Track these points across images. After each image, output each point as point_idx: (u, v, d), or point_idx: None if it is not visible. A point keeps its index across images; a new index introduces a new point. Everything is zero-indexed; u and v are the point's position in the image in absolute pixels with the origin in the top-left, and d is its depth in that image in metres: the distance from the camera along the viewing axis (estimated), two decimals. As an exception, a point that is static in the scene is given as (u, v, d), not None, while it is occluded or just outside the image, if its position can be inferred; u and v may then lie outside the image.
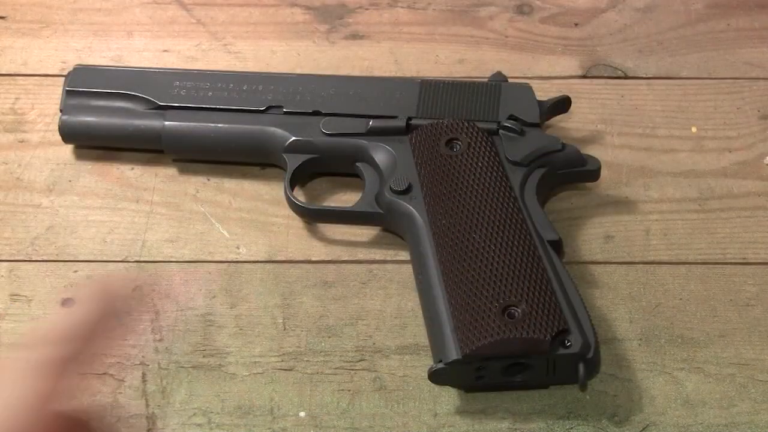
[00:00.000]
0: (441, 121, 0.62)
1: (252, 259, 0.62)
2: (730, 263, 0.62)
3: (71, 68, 0.67)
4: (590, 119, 0.69)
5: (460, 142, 0.61)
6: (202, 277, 0.61)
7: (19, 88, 0.71)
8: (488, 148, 0.61)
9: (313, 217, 0.63)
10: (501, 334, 0.53)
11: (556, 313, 0.54)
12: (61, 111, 0.66)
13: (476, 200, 0.58)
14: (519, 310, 0.54)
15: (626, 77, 0.72)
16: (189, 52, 0.73)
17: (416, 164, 0.61)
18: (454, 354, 0.53)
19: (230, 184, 0.66)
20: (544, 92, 0.67)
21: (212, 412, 0.55)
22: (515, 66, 0.72)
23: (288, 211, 0.64)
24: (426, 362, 0.56)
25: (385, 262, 0.62)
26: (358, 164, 0.64)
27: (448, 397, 0.56)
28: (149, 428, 0.55)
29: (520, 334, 0.53)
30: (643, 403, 0.56)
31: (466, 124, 0.62)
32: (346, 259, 0.62)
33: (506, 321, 0.53)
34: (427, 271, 0.57)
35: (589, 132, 0.69)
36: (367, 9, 0.76)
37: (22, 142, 0.68)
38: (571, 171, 0.63)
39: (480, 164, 0.60)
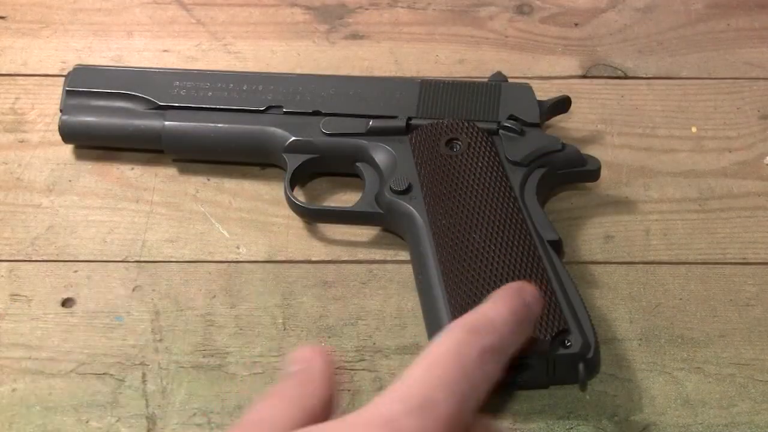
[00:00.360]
0: (441, 121, 0.62)
1: (252, 259, 0.62)
2: (730, 263, 0.62)
3: (71, 68, 0.67)
4: (590, 119, 0.69)
5: (460, 142, 0.61)
6: (202, 277, 0.61)
7: (19, 88, 0.71)
8: (488, 148, 0.61)
9: (313, 217, 0.63)
10: None
11: (556, 313, 0.54)
12: (61, 111, 0.66)
13: (476, 200, 0.58)
14: None
15: (626, 77, 0.72)
16: (189, 52, 0.73)
17: (416, 164, 0.61)
18: (454, 354, 0.53)
19: (230, 184, 0.66)
20: (544, 92, 0.67)
21: (212, 412, 0.55)
22: (515, 66, 0.72)
23: (288, 211, 0.63)
24: (426, 362, 0.56)
25: (385, 262, 0.62)
26: (358, 164, 0.64)
27: (448, 397, 0.56)
28: (149, 428, 0.55)
29: None
30: (643, 403, 0.55)
31: (466, 125, 0.62)
32: (346, 259, 0.62)
33: None
34: (427, 271, 0.57)
35: (589, 132, 0.69)
36: (367, 9, 0.76)
37: (22, 142, 0.68)
38: (571, 171, 0.63)
39: (480, 164, 0.60)
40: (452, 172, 0.60)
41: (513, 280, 0.55)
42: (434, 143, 0.62)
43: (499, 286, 0.53)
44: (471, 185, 0.59)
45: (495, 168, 0.60)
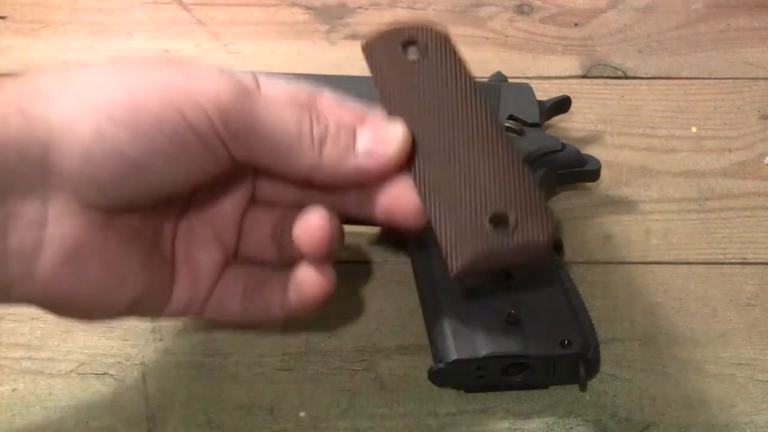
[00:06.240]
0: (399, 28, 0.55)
1: (252, 259, 0.62)
2: (730, 263, 0.62)
3: (71, 68, 0.67)
4: (590, 119, 0.69)
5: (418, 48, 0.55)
6: (202, 277, 0.61)
7: (19, 88, 0.71)
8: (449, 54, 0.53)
9: (313, 217, 0.63)
10: (492, 243, 0.46)
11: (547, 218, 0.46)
12: (61, 111, 0.66)
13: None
14: (510, 218, 0.46)
15: (626, 77, 0.72)
16: (189, 52, 0.73)
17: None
18: (454, 354, 0.53)
19: (230, 184, 0.66)
20: (544, 92, 0.67)
21: (212, 412, 0.55)
22: (515, 66, 0.72)
23: (288, 211, 0.63)
24: (426, 362, 0.56)
25: (385, 262, 0.62)
26: (358, 164, 0.64)
27: (448, 397, 0.56)
28: (149, 428, 0.55)
29: (516, 241, 0.46)
30: (643, 403, 0.55)
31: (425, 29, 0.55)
32: (346, 259, 0.62)
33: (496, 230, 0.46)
34: (427, 271, 0.57)
35: (589, 132, 0.69)
36: (367, 9, 0.76)
37: (22, 142, 0.68)
38: (570, 171, 0.63)
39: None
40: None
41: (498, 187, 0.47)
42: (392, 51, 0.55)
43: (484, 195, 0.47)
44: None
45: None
